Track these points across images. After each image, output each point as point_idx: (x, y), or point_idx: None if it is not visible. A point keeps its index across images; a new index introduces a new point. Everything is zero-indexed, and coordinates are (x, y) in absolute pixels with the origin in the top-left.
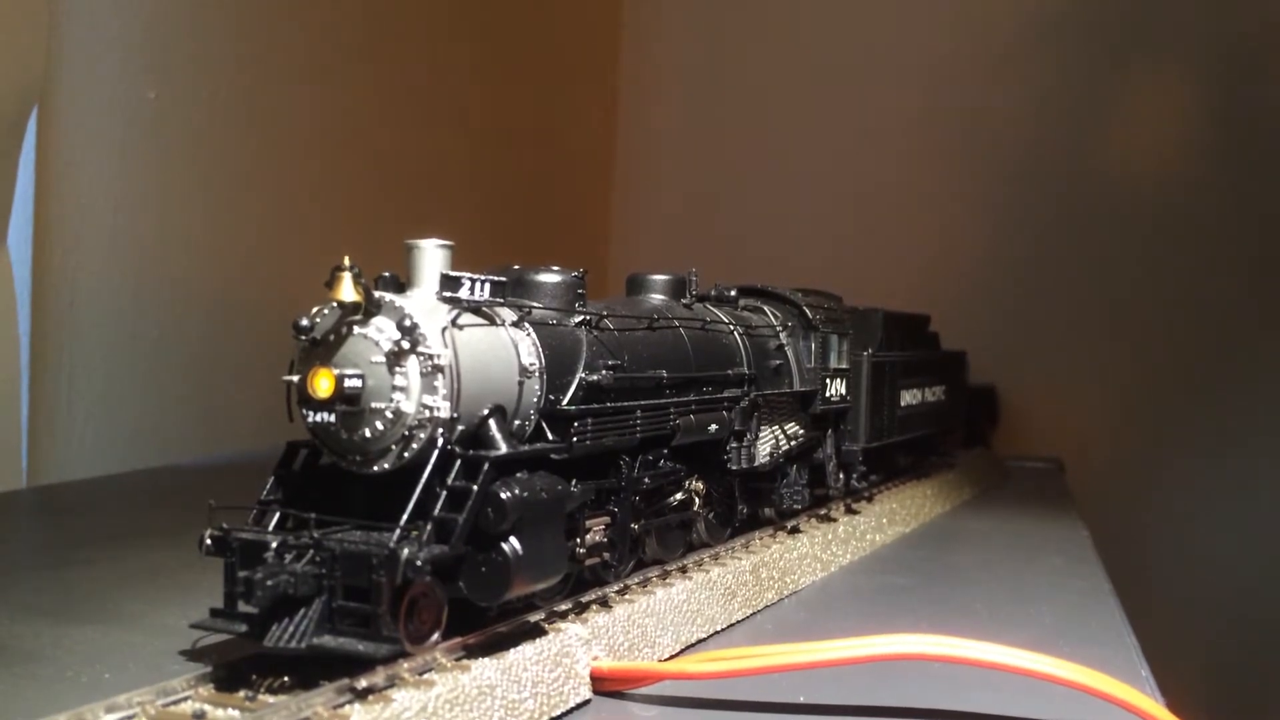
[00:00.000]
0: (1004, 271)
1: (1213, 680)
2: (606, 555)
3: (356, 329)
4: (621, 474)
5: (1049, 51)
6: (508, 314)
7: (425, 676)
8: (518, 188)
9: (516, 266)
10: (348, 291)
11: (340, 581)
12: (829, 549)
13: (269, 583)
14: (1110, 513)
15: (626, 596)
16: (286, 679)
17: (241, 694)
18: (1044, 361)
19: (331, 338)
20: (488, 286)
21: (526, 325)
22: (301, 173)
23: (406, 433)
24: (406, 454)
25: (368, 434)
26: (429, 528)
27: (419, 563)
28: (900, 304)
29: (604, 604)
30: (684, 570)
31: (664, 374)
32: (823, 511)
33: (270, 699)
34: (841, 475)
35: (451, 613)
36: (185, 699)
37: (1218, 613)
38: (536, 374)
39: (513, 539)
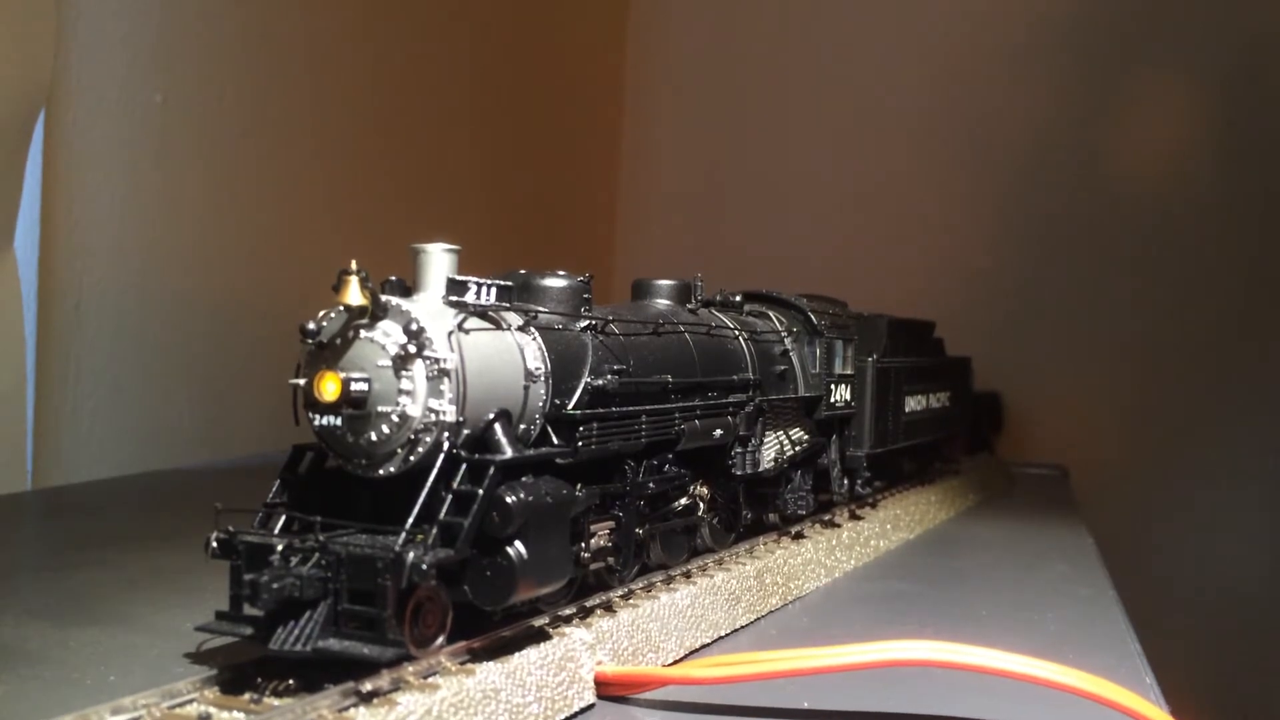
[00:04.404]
0: (1009, 278)
1: (1217, 687)
2: (611, 560)
3: (363, 333)
4: (626, 479)
5: (1055, 57)
6: (514, 318)
7: (430, 680)
8: (524, 193)
9: (523, 271)
10: (354, 295)
11: (346, 585)
12: (833, 554)
13: (274, 586)
14: (1115, 519)
15: (631, 601)
16: (292, 682)
17: (247, 697)
18: (1049, 368)
19: (338, 341)
20: (494, 291)
21: (532, 330)
22: (308, 177)
23: (412, 436)
24: (412, 458)
25: (373, 437)
26: (434, 531)
27: (424, 566)
28: (905, 310)
29: (608, 608)
30: (688, 575)
31: (669, 379)
32: (827, 517)
33: (275, 702)
34: (846, 481)
35: (456, 616)
36: (190, 701)
37: (1222, 619)
38: (542, 378)
39: (518, 543)
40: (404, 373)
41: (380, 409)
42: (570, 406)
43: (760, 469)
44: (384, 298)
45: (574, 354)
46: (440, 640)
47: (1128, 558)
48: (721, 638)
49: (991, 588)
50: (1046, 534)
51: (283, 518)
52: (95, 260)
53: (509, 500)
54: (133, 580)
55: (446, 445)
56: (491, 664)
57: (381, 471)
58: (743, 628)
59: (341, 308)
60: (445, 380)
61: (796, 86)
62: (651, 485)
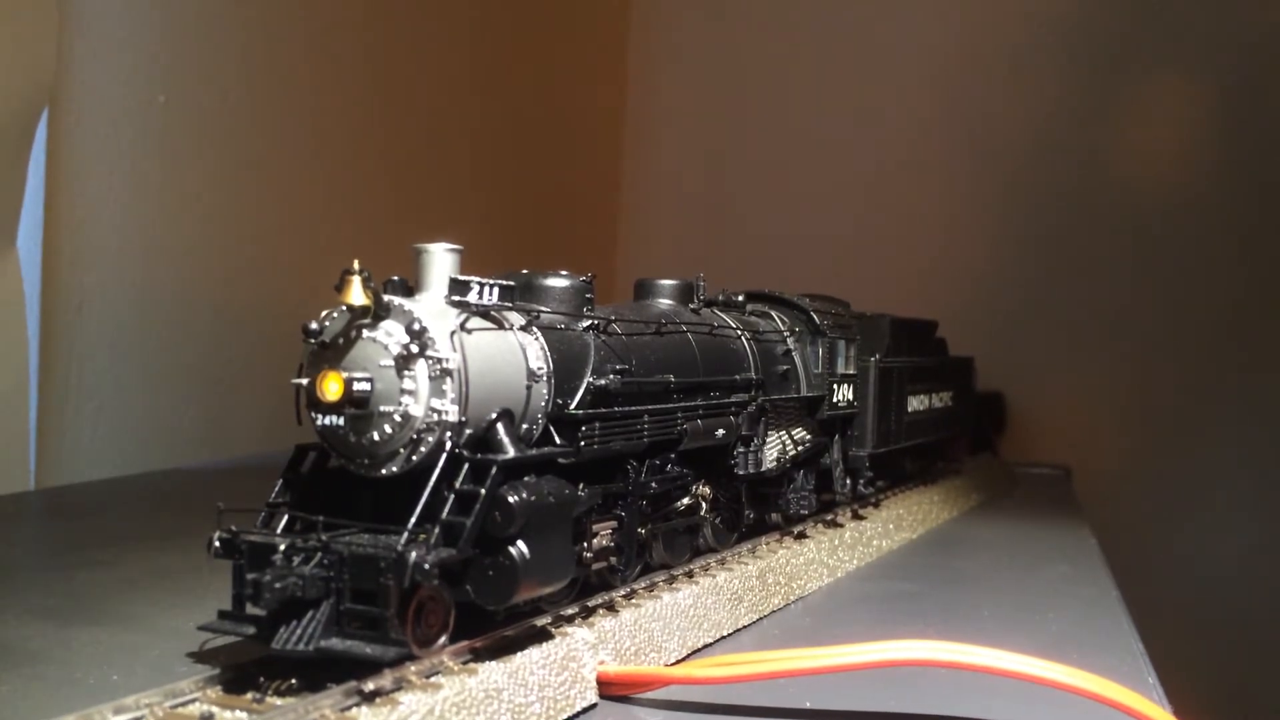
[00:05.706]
0: (1012, 277)
1: (1220, 687)
2: (613, 559)
3: (365, 332)
4: (629, 478)
5: (1057, 58)
6: (516, 318)
7: (432, 680)
8: (526, 192)
9: (525, 271)
10: (357, 295)
11: (348, 584)
12: (835, 554)
13: (277, 585)
14: (1118, 519)
15: (633, 601)
16: (294, 681)
17: (249, 696)
18: (1051, 368)
19: (340, 341)
20: (496, 291)
21: (535, 329)
22: (310, 177)
23: (414, 436)
24: (414, 457)
25: (376, 437)
26: (437, 531)
27: (427, 566)
28: (908, 310)
29: (610, 608)
30: (690, 575)
31: (671, 379)
32: (829, 517)
33: (278, 701)
34: (848, 481)
35: (459, 616)
36: (193, 701)
37: (1225, 620)
38: (544, 378)
39: (520, 543)
40: (406, 372)
41: (383, 409)
42: (573, 406)
43: (763, 469)
44: (386, 297)
45: (576, 354)
46: (443, 640)
47: (1131, 558)
48: (724, 637)
49: (994, 588)
50: (1049, 534)
51: (285, 517)
52: (97, 261)
53: (511, 500)
54: (135, 580)
55: (449, 445)
56: (494, 663)
57: (384, 471)
58: (745, 627)
59: (344, 307)
60: (448, 380)
61: (798, 87)
62: (654, 485)
